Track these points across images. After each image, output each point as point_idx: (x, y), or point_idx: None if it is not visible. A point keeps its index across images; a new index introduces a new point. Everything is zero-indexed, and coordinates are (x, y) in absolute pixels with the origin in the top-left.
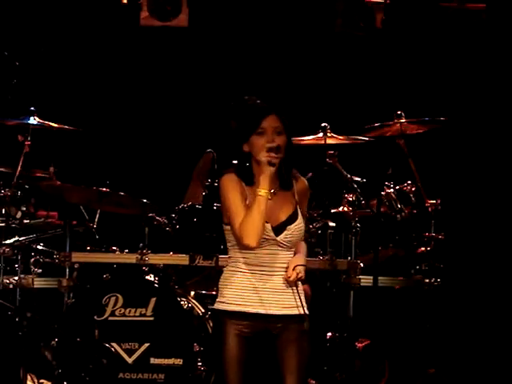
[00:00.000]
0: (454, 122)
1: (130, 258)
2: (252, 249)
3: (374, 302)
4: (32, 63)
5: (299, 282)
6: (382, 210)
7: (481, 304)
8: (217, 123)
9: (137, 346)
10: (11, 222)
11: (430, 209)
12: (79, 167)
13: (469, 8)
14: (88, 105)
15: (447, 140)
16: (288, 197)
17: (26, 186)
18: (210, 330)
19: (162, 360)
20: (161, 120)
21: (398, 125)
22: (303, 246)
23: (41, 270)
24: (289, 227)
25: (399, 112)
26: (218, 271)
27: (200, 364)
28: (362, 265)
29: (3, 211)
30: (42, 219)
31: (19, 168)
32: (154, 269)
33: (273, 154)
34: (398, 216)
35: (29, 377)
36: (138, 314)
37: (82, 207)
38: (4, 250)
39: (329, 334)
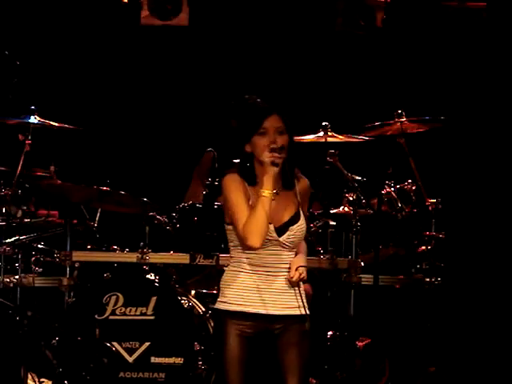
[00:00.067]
0: (454, 121)
1: (131, 257)
2: (255, 249)
3: (374, 300)
4: (32, 62)
5: (301, 282)
6: (382, 208)
7: (481, 303)
8: (217, 122)
9: (137, 345)
10: (12, 221)
11: (430, 208)
12: (80, 166)
13: (469, 7)
14: (88, 104)
15: (448, 139)
16: (290, 197)
17: (27, 185)
18: (211, 329)
19: (163, 359)
20: (161, 119)
21: (399, 124)
22: (304, 246)
23: (41, 269)
24: (291, 228)
25: (400, 111)
26: (218, 270)
27: (201, 363)
28: (362, 264)
29: (4, 210)
30: (43, 218)
31: (20, 167)
32: (154, 268)
33: (276, 155)
34: (399, 215)
35: (29, 376)
36: (138, 313)
37: (82, 206)
38: (5, 249)
39: (329, 332)
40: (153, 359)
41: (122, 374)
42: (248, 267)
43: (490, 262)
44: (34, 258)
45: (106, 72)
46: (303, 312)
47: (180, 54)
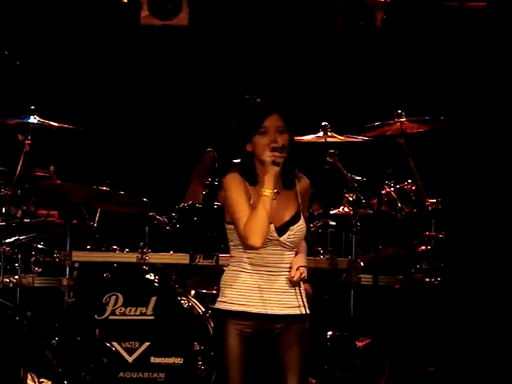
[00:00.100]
0: (454, 121)
1: (131, 257)
2: (256, 249)
3: (374, 300)
4: (32, 62)
5: (301, 282)
6: (382, 208)
7: (481, 303)
8: (217, 122)
9: (137, 345)
10: (11, 221)
11: (430, 208)
12: (79, 166)
13: (469, 7)
14: (88, 104)
15: (447, 139)
16: (291, 196)
17: (27, 185)
18: (211, 330)
19: (163, 359)
20: (161, 119)
21: (399, 124)
22: (304, 246)
23: (41, 269)
24: (292, 227)
25: (399, 111)
26: (218, 270)
27: (200, 363)
28: (362, 264)
29: (3, 210)
30: (43, 218)
31: (19, 167)
32: (154, 268)
33: (277, 154)
34: (399, 215)
35: (29, 376)
36: (138, 313)
37: (82, 206)
38: (4, 249)
39: (329, 332)
40: (152, 359)
41: (121, 374)
42: (248, 267)
43: (489, 262)
44: (33, 258)
45: (105, 72)
46: (303, 311)
47: (180, 54)
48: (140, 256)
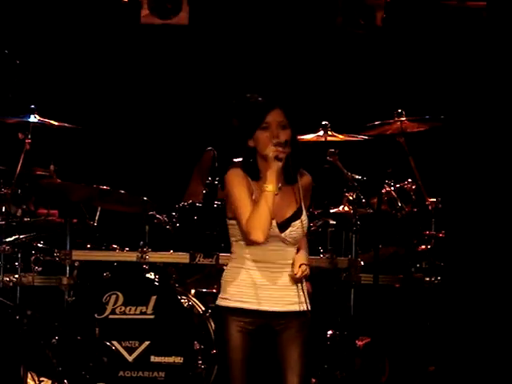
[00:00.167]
0: (454, 120)
1: (131, 256)
2: (259, 244)
3: (374, 300)
4: (32, 61)
5: (303, 279)
6: (382, 208)
7: (481, 302)
8: (218, 121)
9: (137, 344)
10: (11, 220)
11: (430, 207)
12: (79, 165)
13: (469, 6)
14: (88, 103)
15: (448, 138)
16: (293, 192)
17: (27, 184)
18: (211, 329)
19: (163, 358)
20: (161, 118)
21: (399, 123)
22: (305, 242)
23: (41, 268)
24: (293, 223)
25: (399, 110)
26: (218, 269)
27: (200, 362)
28: (362, 263)
29: (4, 209)
30: (43, 217)
31: (19, 166)
32: (154, 267)
33: (280, 149)
34: (399, 214)
35: (29, 375)
36: (138, 312)
37: (82, 205)
38: (4, 248)
39: (329, 332)
40: (152, 358)
41: (121, 373)
42: (250, 263)
43: (490, 262)
44: (33, 257)
45: (105, 71)
46: (305, 308)
47: (180, 53)
48: (140, 255)
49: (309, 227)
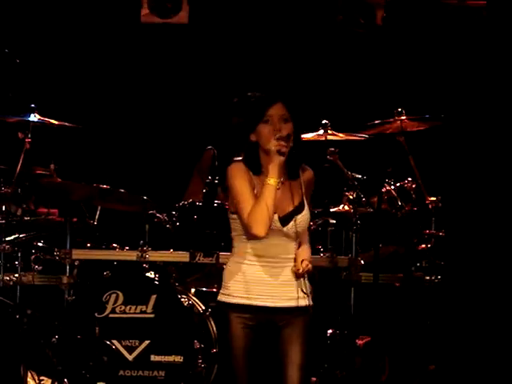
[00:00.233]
0: (454, 119)
1: (131, 255)
2: (260, 238)
3: (374, 299)
4: (32, 60)
5: (305, 274)
6: (382, 207)
7: (481, 301)
8: (218, 120)
9: (137, 343)
10: (11, 219)
11: (430, 206)
12: (80, 164)
13: (469, 5)
14: (88, 102)
15: (448, 137)
16: (295, 187)
17: (27, 183)
18: (211, 328)
19: (163, 357)
20: (161, 117)
21: (399, 122)
22: (307, 237)
23: (41, 267)
24: (295, 218)
25: (399, 109)
26: (218, 268)
27: (200, 361)
28: (362, 262)
29: (4, 208)
30: (43, 216)
31: (20, 165)
32: (154, 266)
33: (282, 143)
34: (399, 213)
35: (29, 374)
36: (138, 311)
37: (82, 204)
38: (4, 247)
39: (329, 331)
40: (152, 357)
41: (121, 372)
42: (252, 258)
43: (490, 261)
44: (33, 256)
45: (105, 70)
46: (307, 303)
47: (180, 53)
48: (140, 254)
49: (308, 227)
